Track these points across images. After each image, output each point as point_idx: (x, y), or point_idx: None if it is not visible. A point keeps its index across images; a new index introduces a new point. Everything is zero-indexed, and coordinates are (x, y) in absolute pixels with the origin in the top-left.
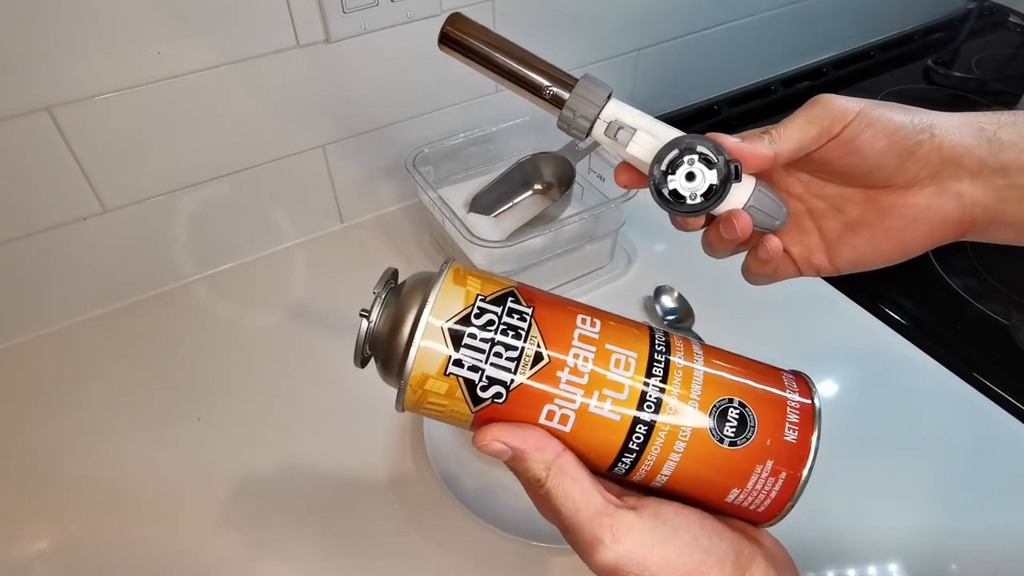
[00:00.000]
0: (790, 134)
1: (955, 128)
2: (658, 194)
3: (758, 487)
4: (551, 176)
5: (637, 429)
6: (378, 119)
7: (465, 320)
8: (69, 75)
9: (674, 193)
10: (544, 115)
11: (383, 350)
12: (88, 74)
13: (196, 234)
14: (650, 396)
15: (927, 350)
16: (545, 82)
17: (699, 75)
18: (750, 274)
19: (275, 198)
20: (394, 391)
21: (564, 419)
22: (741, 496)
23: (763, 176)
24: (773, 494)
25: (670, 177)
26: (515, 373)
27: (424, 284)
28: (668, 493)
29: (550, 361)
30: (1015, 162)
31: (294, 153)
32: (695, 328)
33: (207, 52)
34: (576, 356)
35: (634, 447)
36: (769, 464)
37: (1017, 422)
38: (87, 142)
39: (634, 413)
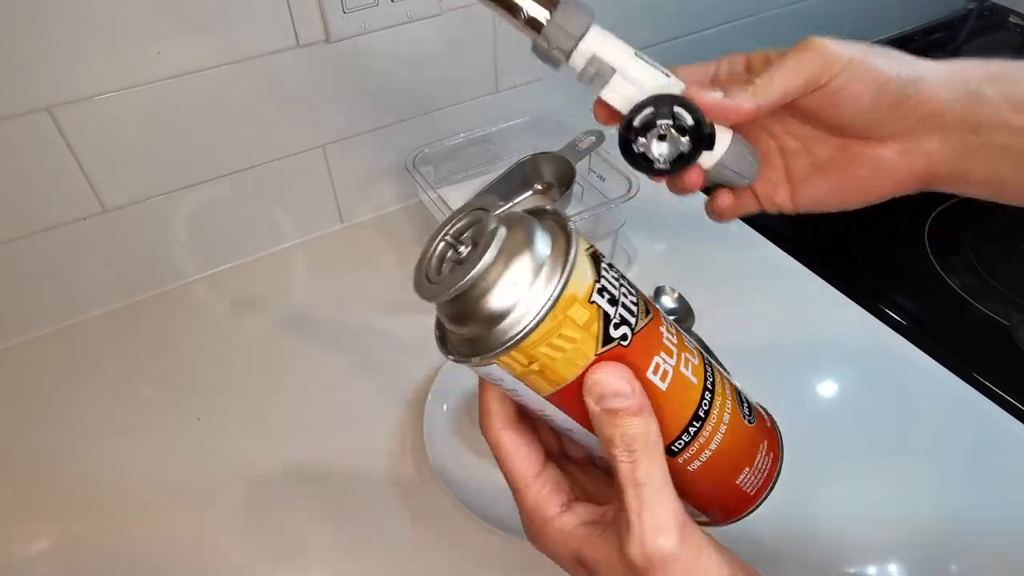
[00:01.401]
0: (776, 84)
1: (941, 81)
2: (626, 151)
3: (759, 466)
4: (551, 176)
5: (705, 395)
6: (378, 119)
7: (598, 253)
8: (69, 75)
9: (643, 155)
10: (544, 114)
11: (516, 263)
12: (88, 74)
13: (196, 234)
14: (708, 365)
15: (927, 350)
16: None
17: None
18: (709, 214)
19: (275, 198)
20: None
21: (664, 375)
22: (748, 476)
23: None
24: (765, 473)
25: (640, 139)
26: (636, 317)
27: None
28: (697, 477)
29: (654, 315)
30: (991, 121)
31: (294, 153)
32: (695, 328)
33: (207, 52)
34: (664, 319)
35: (702, 414)
36: (765, 443)
37: (1017, 422)
38: (87, 142)
39: (703, 379)
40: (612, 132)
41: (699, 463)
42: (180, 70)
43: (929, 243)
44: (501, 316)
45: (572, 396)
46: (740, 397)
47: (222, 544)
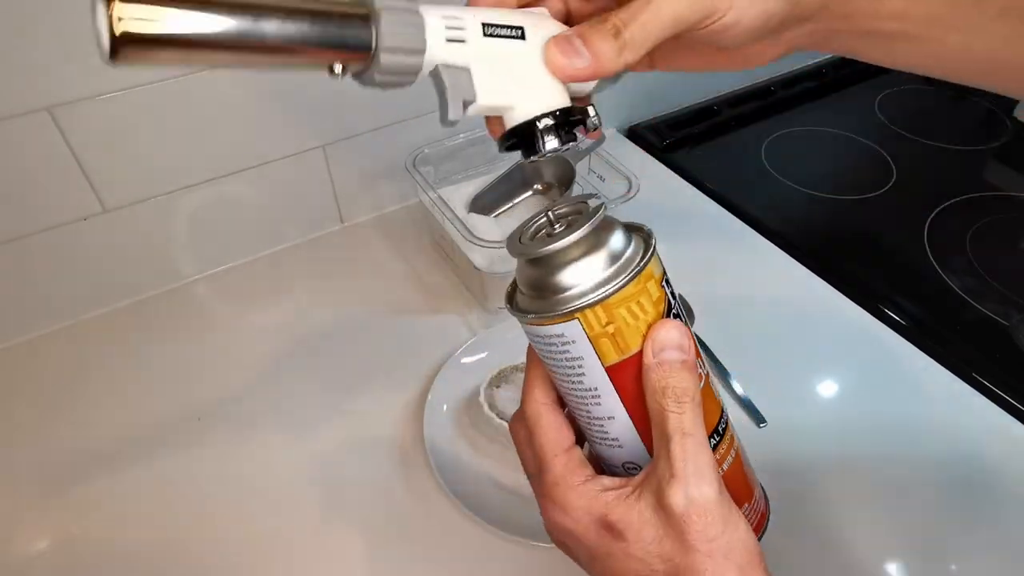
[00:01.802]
0: (650, 35)
1: None
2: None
3: (754, 507)
4: (551, 176)
5: (721, 421)
6: (378, 119)
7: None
8: (70, 75)
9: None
10: None
11: (605, 239)
12: (88, 74)
13: (196, 234)
14: (724, 410)
15: (927, 350)
16: (330, 28)
17: (698, 76)
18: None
19: (275, 198)
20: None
21: (700, 377)
22: (747, 511)
23: None
24: (757, 516)
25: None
26: (686, 317)
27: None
28: None
29: (692, 330)
30: (862, 10)
31: (294, 153)
32: (694, 330)
33: None
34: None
35: (720, 429)
36: (758, 495)
37: (1017, 422)
38: (87, 142)
39: (721, 403)
40: (612, 132)
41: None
42: (180, 70)
43: (929, 243)
44: (594, 276)
45: (632, 370)
46: (742, 448)
47: (221, 544)
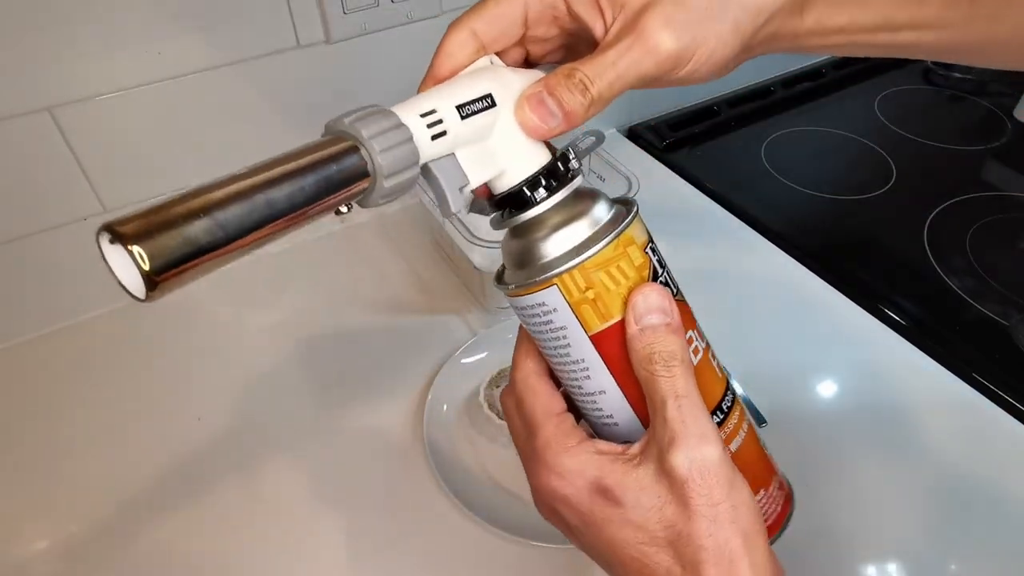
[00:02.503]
0: (614, 92)
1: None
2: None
3: (773, 494)
4: None
5: (726, 396)
6: None
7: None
8: (70, 75)
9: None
10: None
11: (584, 207)
12: (89, 74)
13: None
14: (729, 379)
15: (927, 350)
16: (332, 176)
17: None
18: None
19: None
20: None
21: (696, 351)
22: (764, 499)
23: None
24: (779, 507)
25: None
26: (676, 289)
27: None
28: None
29: (686, 304)
30: (807, 30)
31: None
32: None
33: (207, 52)
34: (695, 318)
35: (725, 407)
36: (777, 478)
37: (1017, 422)
38: (88, 142)
39: (726, 380)
40: (612, 132)
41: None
42: (180, 70)
43: (929, 243)
44: (571, 241)
45: (618, 338)
46: (758, 431)
47: (220, 543)
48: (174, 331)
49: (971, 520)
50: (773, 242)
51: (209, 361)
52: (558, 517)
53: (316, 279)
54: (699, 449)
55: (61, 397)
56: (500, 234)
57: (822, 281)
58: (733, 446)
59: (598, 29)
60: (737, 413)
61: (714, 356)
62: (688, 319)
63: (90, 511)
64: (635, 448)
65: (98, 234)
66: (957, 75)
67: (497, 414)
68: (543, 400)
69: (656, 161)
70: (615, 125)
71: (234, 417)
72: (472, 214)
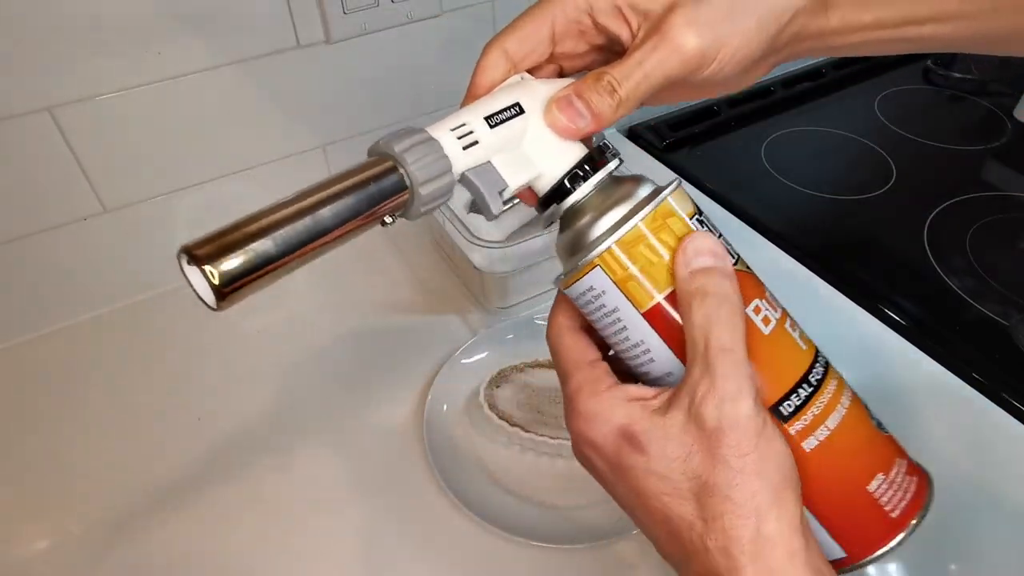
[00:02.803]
0: (641, 93)
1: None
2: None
3: (897, 480)
4: None
5: (815, 368)
6: (378, 119)
7: (699, 208)
8: (70, 75)
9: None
10: None
11: (624, 191)
12: (89, 74)
13: (196, 234)
14: (821, 354)
15: (927, 350)
16: (373, 192)
17: None
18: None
19: (275, 198)
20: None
21: (767, 320)
22: (884, 486)
23: None
24: (909, 494)
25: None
26: (735, 258)
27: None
28: (816, 465)
29: (753, 274)
30: (832, 29)
31: (294, 153)
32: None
33: (207, 52)
34: (768, 290)
35: (813, 380)
36: (904, 461)
37: (1017, 422)
38: (88, 142)
39: (814, 351)
40: (611, 131)
41: (815, 441)
42: (180, 70)
43: (929, 243)
44: (610, 221)
45: (672, 312)
46: (868, 408)
47: (220, 542)
48: (174, 331)
49: (971, 520)
50: (773, 242)
51: (209, 361)
52: (590, 463)
53: (316, 279)
54: (733, 403)
55: (61, 397)
56: (500, 234)
57: (822, 281)
58: (831, 422)
59: (625, 37)
60: (832, 386)
61: (795, 326)
62: (752, 288)
63: (90, 511)
64: (665, 396)
65: (179, 255)
66: (957, 75)
67: (497, 414)
68: (573, 350)
69: (656, 161)
70: (615, 125)
71: (234, 417)
72: (472, 215)
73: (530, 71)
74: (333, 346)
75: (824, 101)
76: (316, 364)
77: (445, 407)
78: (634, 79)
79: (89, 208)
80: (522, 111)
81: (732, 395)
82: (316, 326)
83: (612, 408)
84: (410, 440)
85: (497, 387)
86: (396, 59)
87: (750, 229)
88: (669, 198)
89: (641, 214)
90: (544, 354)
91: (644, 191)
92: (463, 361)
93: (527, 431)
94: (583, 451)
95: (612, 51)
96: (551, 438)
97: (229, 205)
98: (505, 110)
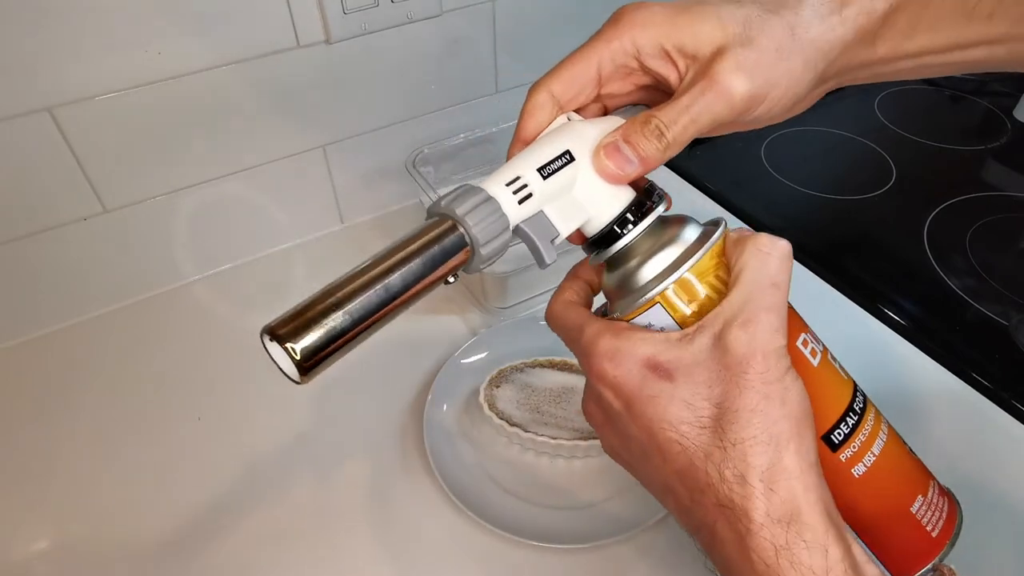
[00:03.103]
0: (688, 136)
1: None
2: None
3: (934, 500)
4: None
5: (857, 396)
6: (378, 119)
7: None
8: (70, 75)
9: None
10: None
11: (675, 231)
12: (89, 74)
13: (196, 234)
14: (856, 384)
15: (927, 350)
16: (437, 259)
17: None
18: None
19: (275, 198)
20: None
21: (814, 352)
22: (924, 507)
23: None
24: (944, 513)
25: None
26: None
27: None
28: (864, 489)
29: (794, 309)
30: (880, 58)
31: (294, 153)
32: None
33: (208, 52)
34: (810, 328)
35: (857, 408)
36: (935, 483)
37: (1017, 422)
38: (88, 142)
39: (853, 383)
40: None
41: (863, 467)
42: (180, 70)
43: (929, 243)
44: (667, 260)
45: None
46: (900, 435)
47: (221, 543)
48: (174, 331)
49: (971, 520)
50: None
51: (209, 361)
52: (603, 407)
53: (316, 279)
54: (772, 335)
55: (61, 397)
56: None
57: (822, 281)
58: (876, 448)
59: (672, 79)
60: (873, 414)
61: (835, 359)
62: (798, 322)
63: (90, 511)
64: (690, 328)
65: (261, 335)
66: (957, 75)
67: (497, 414)
68: (584, 314)
69: None
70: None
71: (234, 417)
72: None
73: (576, 110)
74: None
75: (824, 101)
76: None
77: (445, 407)
78: (681, 123)
79: (89, 208)
80: (572, 159)
81: (773, 327)
82: None
83: (637, 342)
84: (410, 440)
85: (497, 387)
86: (396, 59)
87: (750, 229)
88: (722, 238)
89: (699, 254)
90: (544, 354)
91: (695, 232)
92: (463, 361)
93: (527, 431)
94: (600, 393)
95: (659, 90)
96: (551, 438)
97: (229, 205)
98: (557, 159)
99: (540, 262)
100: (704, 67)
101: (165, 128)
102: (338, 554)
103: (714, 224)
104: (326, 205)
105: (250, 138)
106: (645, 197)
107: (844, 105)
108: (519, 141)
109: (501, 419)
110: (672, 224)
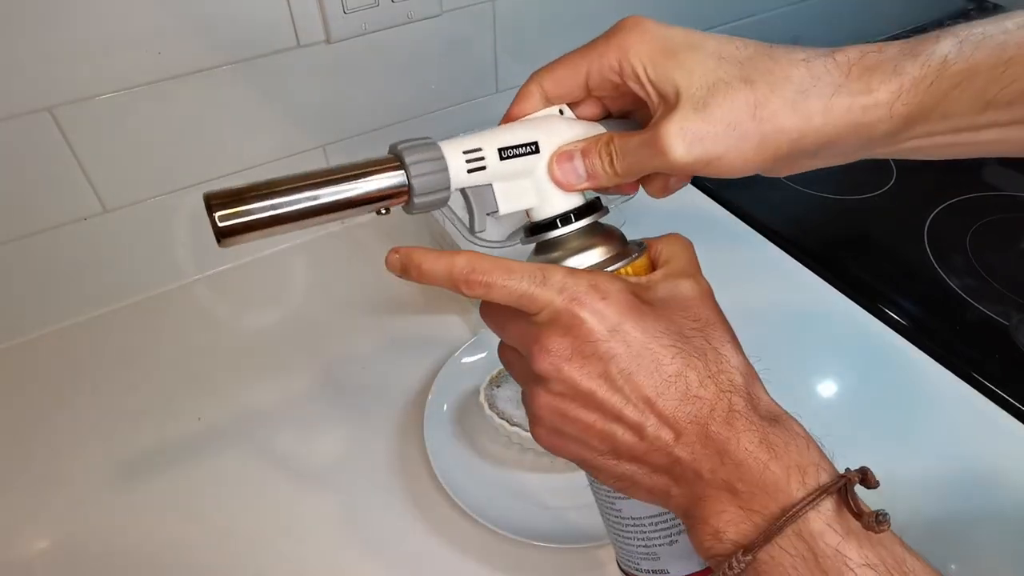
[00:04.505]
0: (639, 171)
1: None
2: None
3: None
4: None
5: None
6: (378, 119)
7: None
8: (70, 75)
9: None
10: None
11: (599, 240)
12: (89, 74)
13: (196, 234)
14: None
15: (927, 350)
16: (372, 188)
17: None
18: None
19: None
20: None
21: None
22: None
23: None
24: None
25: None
26: None
27: None
28: None
29: None
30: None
31: (294, 153)
32: None
33: (207, 52)
34: None
35: None
36: None
37: (1017, 422)
38: (88, 142)
39: None
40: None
41: None
42: (180, 70)
43: (929, 243)
44: (581, 263)
45: None
46: None
47: (221, 544)
48: (174, 331)
49: (971, 520)
50: (773, 242)
51: (209, 361)
52: (569, 337)
53: (316, 279)
54: (707, 284)
55: (61, 397)
56: (499, 234)
57: (822, 281)
58: None
59: (651, 107)
60: None
61: None
62: None
63: (90, 511)
64: (651, 275)
65: (204, 198)
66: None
67: (497, 414)
68: (523, 265)
69: None
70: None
71: (234, 417)
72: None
73: (574, 105)
74: (333, 346)
75: None
76: (316, 364)
77: (445, 407)
78: (630, 160)
79: (89, 208)
80: (537, 151)
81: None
82: (316, 326)
83: (613, 278)
84: (410, 440)
85: (497, 387)
86: (396, 59)
87: (750, 229)
88: (635, 262)
89: (610, 269)
90: None
91: (618, 248)
92: (463, 361)
93: (527, 431)
94: (578, 320)
95: (647, 108)
96: None
97: None
98: (521, 146)
99: (470, 228)
100: (659, 119)
101: (165, 128)
102: (337, 552)
103: (638, 244)
104: None
105: (250, 138)
106: (586, 209)
107: None
108: (507, 118)
109: (501, 419)
110: (601, 232)
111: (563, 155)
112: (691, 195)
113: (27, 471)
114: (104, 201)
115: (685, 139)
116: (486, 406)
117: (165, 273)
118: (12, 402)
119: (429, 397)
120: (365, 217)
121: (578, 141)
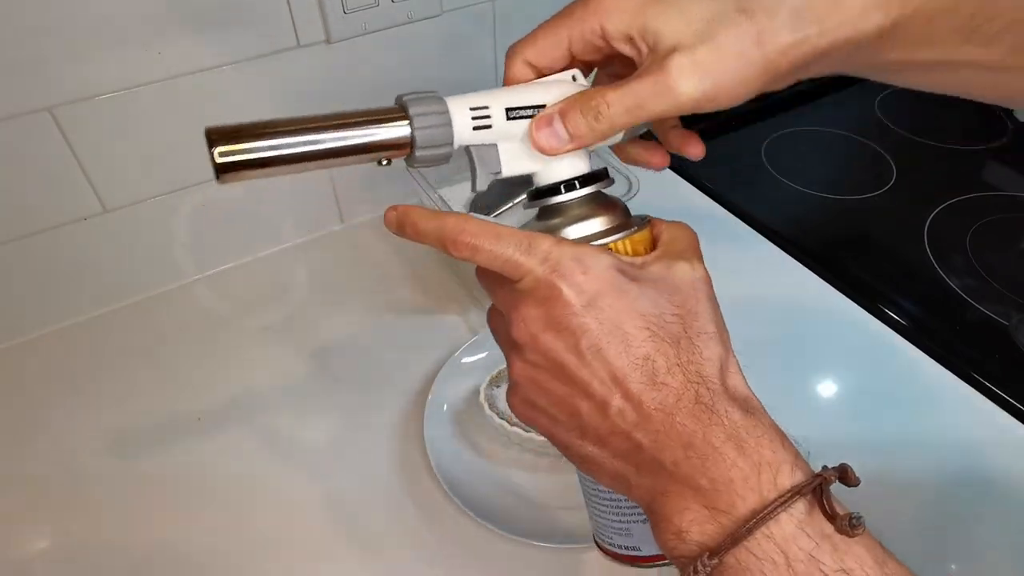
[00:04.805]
0: (625, 122)
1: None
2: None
3: None
4: None
5: None
6: None
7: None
8: (70, 75)
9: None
10: None
11: (603, 209)
12: (89, 74)
13: (196, 234)
14: None
15: (927, 350)
16: (374, 137)
17: None
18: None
19: (275, 198)
20: None
21: None
22: None
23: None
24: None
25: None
26: None
27: None
28: None
29: None
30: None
31: None
32: None
33: (208, 52)
34: None
35: None
36: None
37: (1017, 422)
38: (88, 142)
39: None
40: None
41: None
42: (181, 70)
43: (929, 243)
44: (580, 232)
45: None
46: None
47: (221, 544)
48: (174, 331)
49: (971, 520)
50: (773, 242)
51: (209, 361)
52: (545, 307)
53: (316, 279)
54: (705, 270)
55: (61, 397)
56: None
57: (822, 281)
58: None
59: (638, 61)
60: None
61: None
62: None
63: (90, 511)
64: (645, 256)
65: (205, 133)
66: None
67: (497, 414)
68: (512, 231)
69: None
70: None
71: (234, 417)
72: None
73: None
74: (333, 345)
75: (824, 101)
76: (316, 364)
77: (445, 407)
78: (623, 107)
79: (89, 208)
80: None
81: (704, 269)
82: (316, 325)
83: (601, 253)
84: (410, 440)
85: (497, 387)
86: (396, 59)
87: (750, 229)
88: (636, 235)
89: (609, 239)
90: None
91: (620, 219)
92: (463, 361)
93: (527, 431)
94: (556, 292)
95: (633, 65)
96: None
97: (229, 205)
98: (529, 108)
99: (472, 186)
100: (660, 59)
101: (165, 128)
102: (337, 553)
103: (641, 218)
104: (326, 205)
105: None
106: (590, 178)
107: (844, 105)
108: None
109: (501, 419)
110: (604, 203)
111: (541, 119)
112: (691, 195)
113: (27, 471)
114: (104, 201)
115: (696, 72)
116: (486, 406)
117: (165, 273)
118: (12, 402)
119: (429, 397)
120: (366, 215)
121: (556, 103)
